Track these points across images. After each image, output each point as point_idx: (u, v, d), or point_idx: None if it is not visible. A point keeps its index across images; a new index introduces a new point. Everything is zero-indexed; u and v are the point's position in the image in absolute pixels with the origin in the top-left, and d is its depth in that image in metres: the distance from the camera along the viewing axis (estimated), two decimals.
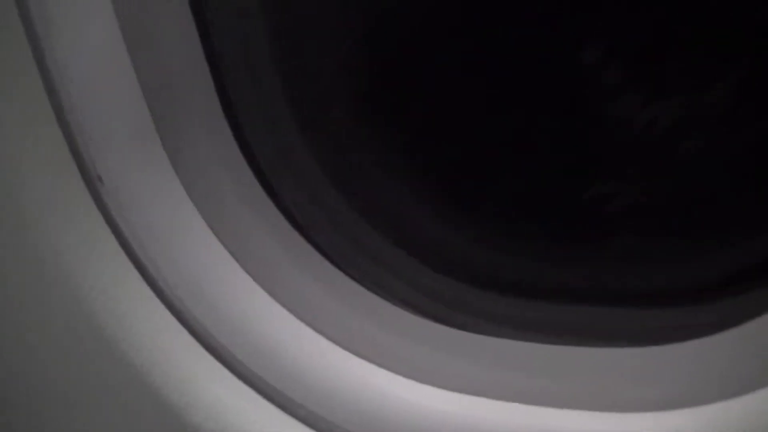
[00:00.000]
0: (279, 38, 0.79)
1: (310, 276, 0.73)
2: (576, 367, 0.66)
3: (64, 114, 0.66)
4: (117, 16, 0.66)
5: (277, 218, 0.74)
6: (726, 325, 0.62)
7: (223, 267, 0.71)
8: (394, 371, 0.68)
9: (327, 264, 0.75)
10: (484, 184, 0.94)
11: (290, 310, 0.70)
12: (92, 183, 0.67)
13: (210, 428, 0.67)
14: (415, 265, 0.82)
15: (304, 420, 0.66)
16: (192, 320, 0.67)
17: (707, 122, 0.98)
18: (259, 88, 0.77)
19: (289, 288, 0.72)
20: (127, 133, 0.68)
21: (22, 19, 0.65)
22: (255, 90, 0.76)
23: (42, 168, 0.69)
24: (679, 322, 0.73)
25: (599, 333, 0.75)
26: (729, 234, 0.86)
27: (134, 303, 0.70)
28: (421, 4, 0.97)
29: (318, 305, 0.73)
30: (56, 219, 0.69)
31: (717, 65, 0.99)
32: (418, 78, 0.94)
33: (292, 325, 0.70)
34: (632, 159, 1.00)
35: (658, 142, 1.00)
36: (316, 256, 0.74)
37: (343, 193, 0.83)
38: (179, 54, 0.69)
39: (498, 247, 0.89)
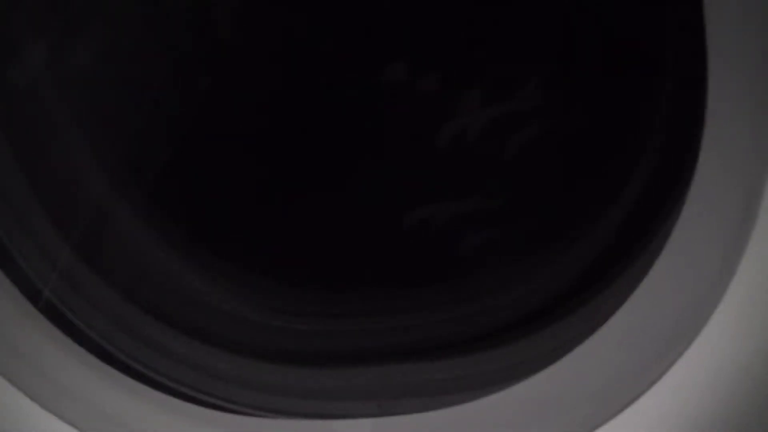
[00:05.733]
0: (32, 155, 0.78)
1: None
2: None
3: None
4: None
5: (71, 345, 0.71)
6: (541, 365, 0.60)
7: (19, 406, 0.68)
8: None
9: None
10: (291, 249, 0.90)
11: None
12: None
13: None
14: (207, 350, 0.78)
15: None
16: None
17: (517, 130, 0.98)
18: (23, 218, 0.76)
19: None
20: None
21: None
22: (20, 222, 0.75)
23: None
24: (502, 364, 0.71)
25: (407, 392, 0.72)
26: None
27: None
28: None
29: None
30: None
31: (522, 71, 1.00)
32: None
33: None
34: (445, 176, 0.95)
35: (469, 156, 0.99)
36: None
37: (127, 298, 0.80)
38: None
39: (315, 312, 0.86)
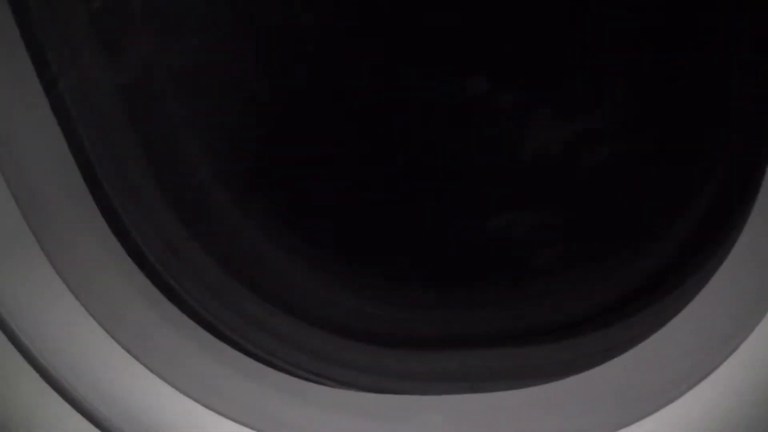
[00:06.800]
0: (150, 145, 0.83)
1: (214, 361, 0.75)
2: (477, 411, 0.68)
3: None
4: None
5: (173, 311, 0.76)
6: (616, 352, 0.63)
7: (124, 367, 0.73)
8: None
9: (228, 348, 0.77)
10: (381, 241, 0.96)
11: (191, 396, 0.72)
12: None
13: None
14: (304, 329, 0.82)
15: None
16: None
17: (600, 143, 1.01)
18: (138, 196, 0.80)
19: (193, 375, 0.74)
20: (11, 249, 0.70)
21: None
22: (134, 198, 0.79)
23: None
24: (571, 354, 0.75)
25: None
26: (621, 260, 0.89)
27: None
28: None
29: (224, 389, 0.74)
30: None
31: (605, 84, 1.01)
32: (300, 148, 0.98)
33: (193, 409, 0.72)
34: (526, 186, 1.01)
35: (552, 167, 1.01)
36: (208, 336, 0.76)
37: (229, 272, 0.85)
38: (54, 173, 0.72)
39: (397, 301, 0.91)
